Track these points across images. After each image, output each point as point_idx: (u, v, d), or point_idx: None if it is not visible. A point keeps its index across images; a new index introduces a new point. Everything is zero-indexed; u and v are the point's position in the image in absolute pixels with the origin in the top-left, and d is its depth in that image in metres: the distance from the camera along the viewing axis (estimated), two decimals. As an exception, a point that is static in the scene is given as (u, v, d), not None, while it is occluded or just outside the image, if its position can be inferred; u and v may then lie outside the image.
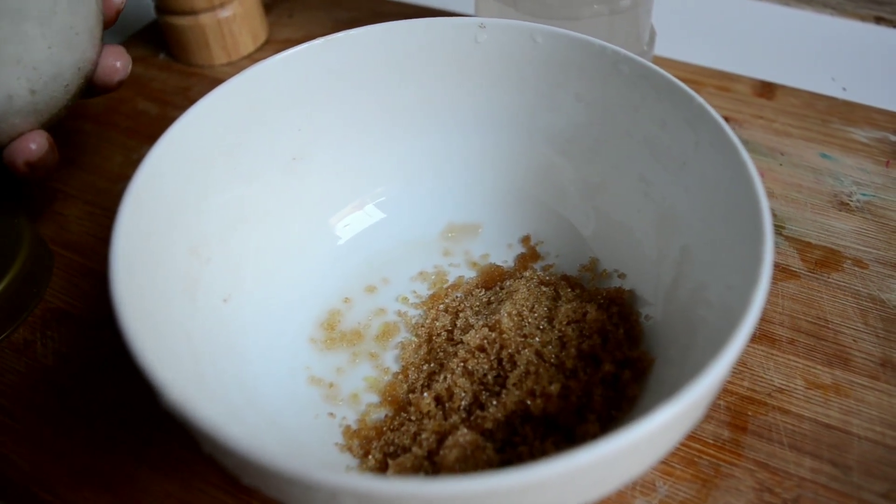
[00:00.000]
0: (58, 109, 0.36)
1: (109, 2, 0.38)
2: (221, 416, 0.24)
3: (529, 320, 0.32)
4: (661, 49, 0.51)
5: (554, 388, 0.29)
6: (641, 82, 0.32)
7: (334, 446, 0.30)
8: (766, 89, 0.49)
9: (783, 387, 0.33)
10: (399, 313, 0.36)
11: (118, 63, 0.39)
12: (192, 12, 0.51)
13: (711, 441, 0.31)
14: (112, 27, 0.60)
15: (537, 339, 0.31)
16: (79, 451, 0.32)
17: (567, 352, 0.30)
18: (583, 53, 0.34)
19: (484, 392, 0.30)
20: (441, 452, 0.28)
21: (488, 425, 0.29)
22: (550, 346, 0.31)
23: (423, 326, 0.34)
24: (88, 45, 0.36)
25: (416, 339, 0.34)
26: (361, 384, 0.33)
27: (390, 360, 0.34)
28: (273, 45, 0.56)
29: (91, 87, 0.39)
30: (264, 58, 0.34)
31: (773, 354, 0.35)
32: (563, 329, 0.31)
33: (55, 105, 0.36)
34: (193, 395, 0.23)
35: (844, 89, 0.52)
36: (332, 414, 0.32)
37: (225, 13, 0.51)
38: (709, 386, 0.21)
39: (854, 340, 0.35)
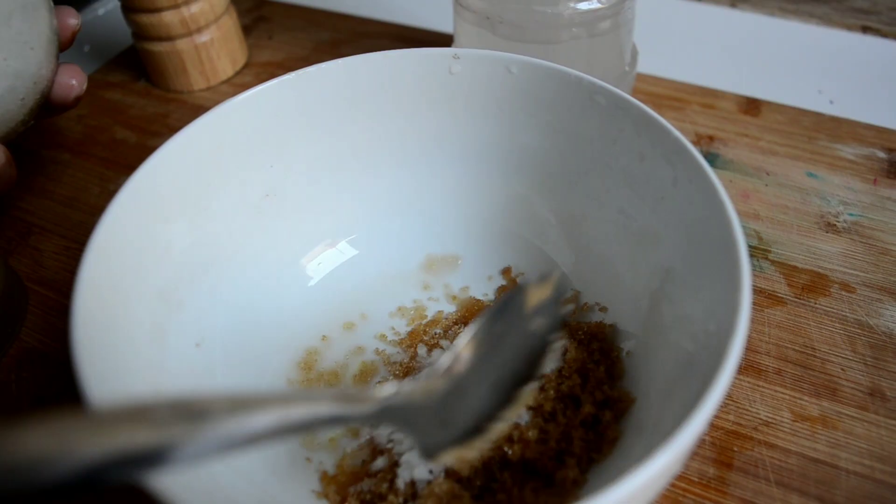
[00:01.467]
0: (14, 124, 0.38)
1: (65, 23, 0.39)
2: (186, 480, 0.23)
3: None
4: (644, 65, 0.51)
5: (532, 434, 0.28)
6: (619, 114, 0.31)
7: (311, 493, 0.30)
8: (752, 106, 0.49)
9: (769, 420, 0.33)
10: (377, 351, 0.35)
11: (73, 81, 0.40)
12: (169, 38, 0.50)
13: (696, 479, 0.31)
14: (91, 49, 0.60)
15: None
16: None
17: (546, 394, 0.30)
18: (558, 84, 0.33)
19: None
20: (417, 501, 0.27)
21: (465, 472, 0.28)
22: None
23: (401, 365, 0.34)
24: (44, 61, 0.37)
25: (393, 380, 0.33)
26: (339, 427, 0.32)
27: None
28: (253, 67, 0.55)
29: (48, 105, 0.40)
30: (243, 82, 0.33)
31: (759, 386, 0.34)
32: None
33: (11, 119, 0.37)
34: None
35: (832, 102, 0.51)
36: (308, 459, 0.31)
37: (202, 38, 0.51)
38: (698, 430, 0.21)
39: (842, 369, 0.34)
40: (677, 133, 0.29)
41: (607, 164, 0.33)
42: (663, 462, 0.20)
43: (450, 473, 0.28)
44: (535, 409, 0.30)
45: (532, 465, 0.28)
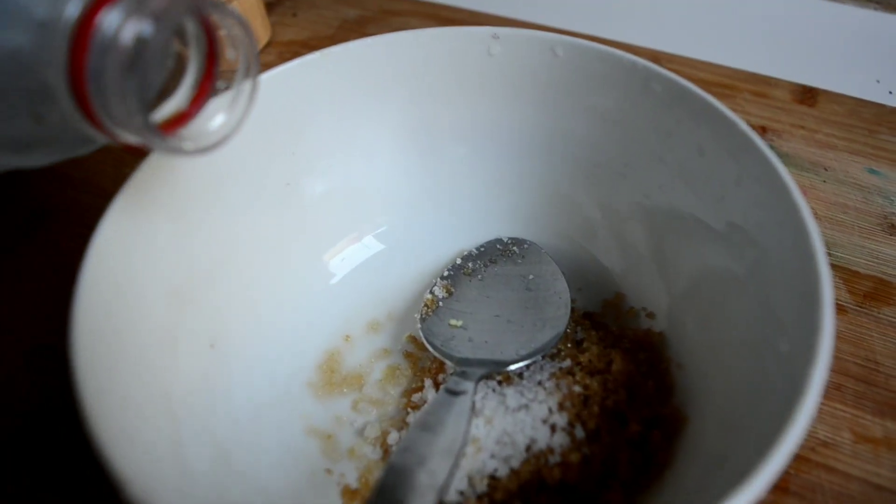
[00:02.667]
0: None
1: None
2: (197, 494, 0.21)
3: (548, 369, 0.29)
4: (693, 51, 0.48)
5: (573, 456, 0.26)
6: (676, 103, 0.29)
7: (332, 509, 0.28)
8: (808, 95, 0.45)
9: (829, 440, 0.30)
10: (406, 354, 0.33)
11: None
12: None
13: (750, 505, 0.28)
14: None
15: (555, 395, 0.28)
16: (64, 496, 0.30)
17: (590, 409, 0.27)
18: (609, 68, 0.30)
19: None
20: (448, 526, 0.25)
21: (499, 496, 0.26)
22: (570, 403, 0.28)
23: (429, 371, 0.31)
24: None
25: (424, 386, 0.31)
26: (363, 436, 0.30)
27: (396, 410, 0.31)
28: (276, 46, 0.53)
29: None
30: (266, 61, 0.31)
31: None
32: (585, 382, 0.28)
33: None
34: (159, 482, 0.20)
35: (891, 93, 0.48)
36: (329, 470, 0.29)
37: (224, 14, 0.48)
38: (781, 467, 0.18)
39: (908, 386, 0.32)
40: (744, 126, 0.26)
41: (661, 157, 0.30)
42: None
43: (482, 497, 0.26)
44: (578, 427, 0.27)
45: (573, 489, 0.26)
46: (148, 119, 0.21)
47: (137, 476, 0.19)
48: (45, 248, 0.40)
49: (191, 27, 0.22)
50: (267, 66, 0.52)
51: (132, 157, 0.44)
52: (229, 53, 0.23)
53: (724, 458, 0.22)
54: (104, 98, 0.20)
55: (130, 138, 0.22)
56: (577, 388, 0.28)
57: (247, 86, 0.23)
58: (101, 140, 0.23)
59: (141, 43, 0.20)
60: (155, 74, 0.22)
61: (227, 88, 0.24)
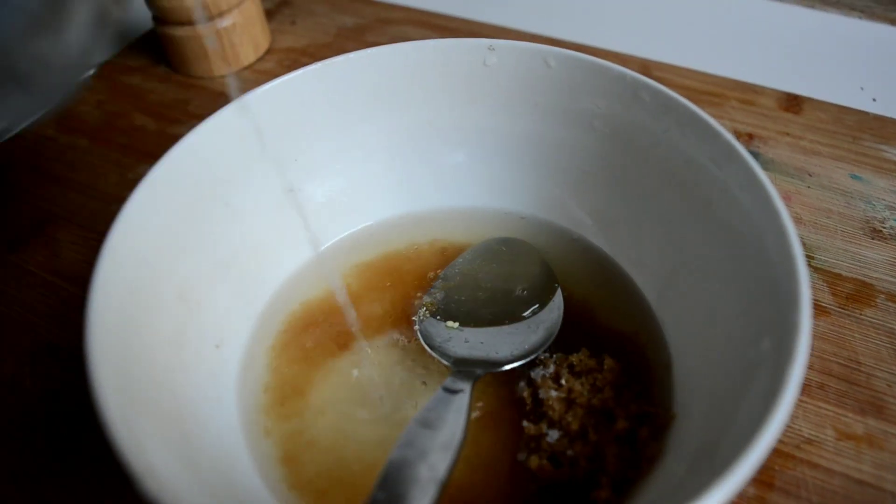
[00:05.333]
0: None
1: None
2: (205, 497, 0.22)
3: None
4: (682, 59, 0.49)
5: (563, 454, 0.27)
6: (664, 113, 0.30)
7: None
8: (793, 103, 0.47)
9: (812, 437, 0.31)
10: (405, 354, 0.33)
11: None
12: (191, 23, 0.48)
13: (736, 499, 0.29)
14: (110, 35, 0.58)
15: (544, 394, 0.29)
16: (65, 495, 0.30)
17: (574, 411, 0.28)
18: (599, 79, 0.31)
19: None
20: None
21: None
22: (558, 403, 0.29)
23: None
24: None
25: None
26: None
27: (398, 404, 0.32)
28: (275, 53, 0.54)
29: None
30: (265, 68, 0.32)
31: (801, 401, 0.32)
32: (573, 382, 0.29)
33: None
34: (173, 477, 0.21)
35: (874, 100, 0.49)
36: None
37: (224, 23, 0.49)
38: (761, 457, 0.19)
39: (888, 385, 0.33)
40: (728, 135, 0.27)
41: (650, 165, 0.31)
42: (726, 493, 0.19)
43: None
44: (566, 425, 0.28)
45: (562, 486, 0.27)
46: None
47: (150, 470, 0.20)
48: (49, 251, 0.41)
49: None
50: (267, 73, 0.53)
51: (135, 163, 0.45)
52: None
53: (711, 451, 0.23)
54: None
55: None
56: (565, 388, 0.29)
57: None
58: None
59: None
60: None
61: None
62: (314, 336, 0.33)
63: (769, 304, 0.24)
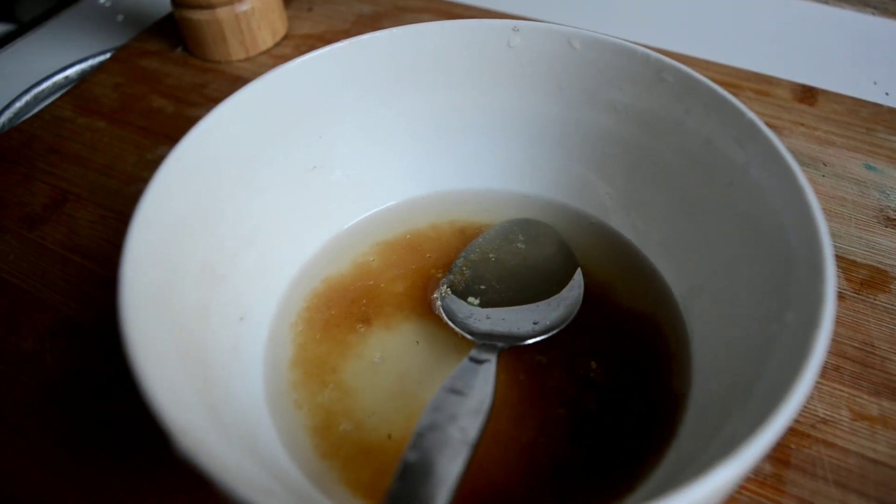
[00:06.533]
0: None
1: None
2: (235, 459, 0.22)
3: None
4: (698, 51, 0.49)
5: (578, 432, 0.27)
6: (687, 93, 0.30)
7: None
8: (808, 94, 0.47)
9: (828, 418, 0.32)
10: (426, 329, 0.34)
11: None
12: (209, 6, 0.49)
13: (752, 476, 0.30)
14: (125, 19, 0.59)
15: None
16: (87, 471, 0.31)
17: (585, 389, 0.29)
18: (624, 60, 0.32)
19: None
20: None
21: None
22: (573, 385, 0.29)
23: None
24: None
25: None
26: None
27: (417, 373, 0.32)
28: (292, 39, 0.54)
29: None
30: (283, 53, 0.32)
31: (817, 382, 0.33)
32: (588, 362, 0.30)
33: None
34: (207, 437, 0.21)
35: (887, 94, 0.49)
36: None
37: (243, 7, 0.50)
38: (779, 432, 0.19)
39: (903, 368, 0.33)
40: (751, 114, 0.28)
41: (672, 145, 0.32)
42: (735, 471, 0.18)
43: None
44: (573, 405, 0.28)
45: (571, 470, 0.27)
46: None
47: (186, 429, 0.20)
48: (68, 229, 0.41)
49: None
50: (284, 59, 0.53)
51: (153, 144, 0.46)
52: None
53: (727, 422, 0.23)
54: None
55: None
56: (580, 371, 0.30)
57: None
58: None
59: None
60: None
61: None
62: (337, 312, 0.33)
63: (793, 278, 0.25)
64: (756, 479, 0.30)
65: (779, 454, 0.30)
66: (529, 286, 0.33)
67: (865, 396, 0.32)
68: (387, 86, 0.34)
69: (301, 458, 0.28)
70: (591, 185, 0.36)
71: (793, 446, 0.31)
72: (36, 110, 0.50)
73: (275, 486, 0.24)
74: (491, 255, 0.34)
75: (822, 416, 0.32)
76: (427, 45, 0.33)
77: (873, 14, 0.56)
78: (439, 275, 0.35)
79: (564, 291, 0.32)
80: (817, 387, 0.32)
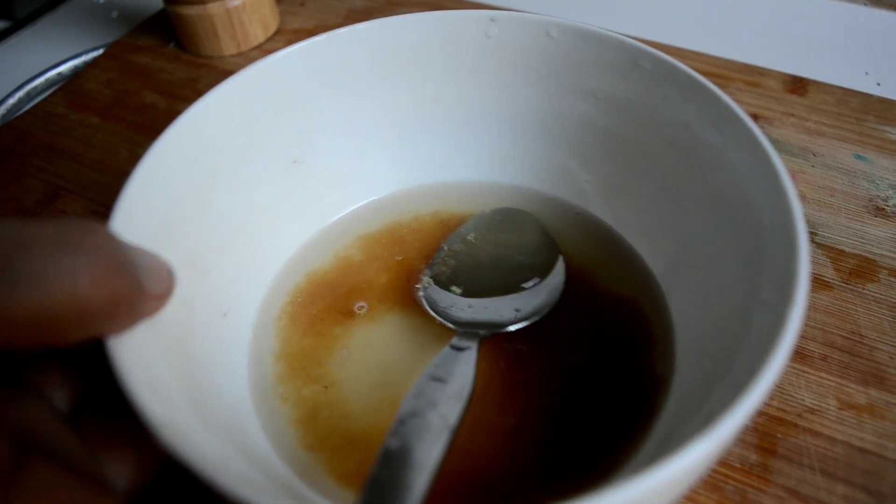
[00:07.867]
0: None
1: None
2: (218, 450, 0.22)
3: None
4: (688, 42, 0.49)
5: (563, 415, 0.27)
6: (664, 80, 0.30)
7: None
8: (798, 85, 0.47)
9: (815, 407, 0.31)
10: (410, 321, 0.34)
11: None
12: (201, 2, 0.49)
13: (738, 465, 0.30)
14: (119, 16, 0.59)
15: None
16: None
17: (577, 373, 0.29)
18: (601, 48, 0.32)
19: None
20: None
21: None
22: (556, 369, 0.29)
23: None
24: None
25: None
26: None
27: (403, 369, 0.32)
28: (284, 34, 0.54)
29: None
30: (274, 48, 0.32)
31: (804, 372, 0.32)
32: (570, 346, 0.30)
33: None
34: (188, 429, 0.21)
35: (879, 84, 0.49)
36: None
37: (234, 2, 0.50)
38: (751, 410, 0.19)
39: (890, 357, 0.33)
40: (727, 98, 0.28)
41: (651, 130, 0.32)
42: (710, 446, 0.18)
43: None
44: (556, 390, 0.28)
45: (555, 453, 0.27)
46: None
47: (167, 421, 0.20)
48: (60, 225, 0.41)
49: None
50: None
51: (145, 140, 0.46)
52: None
53: (707, 400, 0.23)
54: None
55: None
56: (562, 356, 0.30)
57: None
58: None
59: None
60: None
61: None
62: (321, 306, 0.34)
63: (768, 256, 0.25)
64: (742, 468, 0.29)
65: (765, 443, 0.30)
66: (511, 274, 0.33)
67: (853, 385, 0.32)
68: (366, 79, 0.34)
69: (286, 450, 0.28)
70: (572, 173, 0.36)
71: (779, 435, 0.30)
72: (29, 106, 0.50)
73: (258, 477, 0.24)
74: (473, 245, 0.34)
75: (808, 405, 0.31)
76: (406, 37, 0.33)
77: (864, 5, 0.56)
78: (422, 266, 0.35)
79: (547, 278, 0.32)
80: (804, 376, 0.32)
